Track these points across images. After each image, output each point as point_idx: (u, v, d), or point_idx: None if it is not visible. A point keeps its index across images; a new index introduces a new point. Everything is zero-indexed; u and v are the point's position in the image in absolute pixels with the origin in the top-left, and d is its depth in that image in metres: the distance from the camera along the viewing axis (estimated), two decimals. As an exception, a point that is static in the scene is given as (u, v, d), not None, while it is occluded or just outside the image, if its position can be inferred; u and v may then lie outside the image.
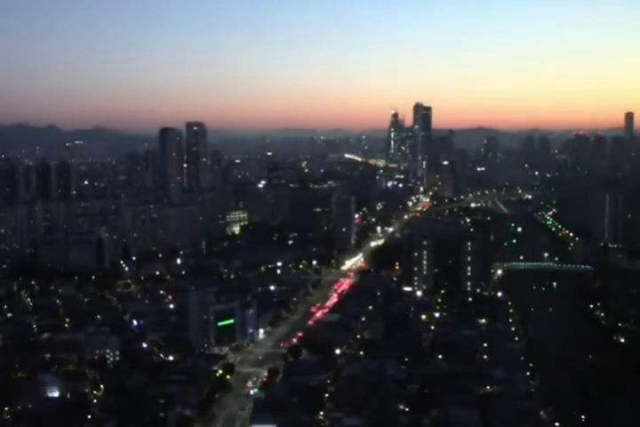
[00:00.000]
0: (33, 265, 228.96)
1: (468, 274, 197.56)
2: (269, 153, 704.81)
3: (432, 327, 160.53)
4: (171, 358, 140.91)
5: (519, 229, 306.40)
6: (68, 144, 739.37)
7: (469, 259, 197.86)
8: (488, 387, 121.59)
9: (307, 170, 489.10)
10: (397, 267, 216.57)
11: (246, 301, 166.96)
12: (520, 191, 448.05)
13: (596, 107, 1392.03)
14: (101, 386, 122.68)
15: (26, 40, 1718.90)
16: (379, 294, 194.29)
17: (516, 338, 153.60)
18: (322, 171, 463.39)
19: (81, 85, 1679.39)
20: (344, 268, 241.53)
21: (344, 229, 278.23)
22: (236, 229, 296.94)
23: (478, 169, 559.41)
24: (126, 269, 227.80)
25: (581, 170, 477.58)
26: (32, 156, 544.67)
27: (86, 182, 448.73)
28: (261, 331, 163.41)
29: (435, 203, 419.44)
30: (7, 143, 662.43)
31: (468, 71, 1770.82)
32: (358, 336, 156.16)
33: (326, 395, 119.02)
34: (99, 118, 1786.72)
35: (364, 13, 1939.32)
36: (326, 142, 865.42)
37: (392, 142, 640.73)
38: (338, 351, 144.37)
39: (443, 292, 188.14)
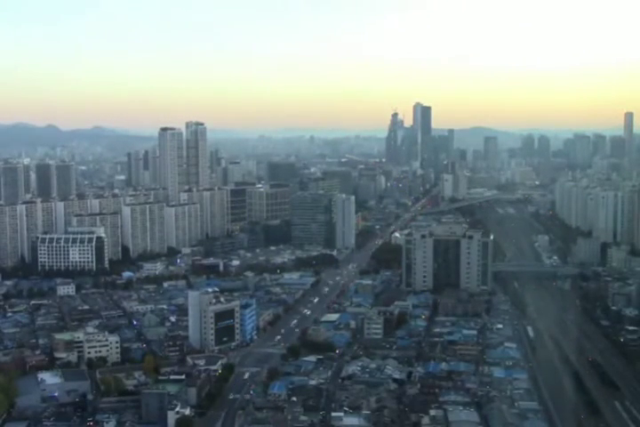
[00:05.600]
0: (32, 265, 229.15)
1: (468, 274, 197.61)
2: (269, 152, 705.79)
3: (432, 327, 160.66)
4: (170, 358, 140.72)
5: (519, 229, 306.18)
6: (67, 144, 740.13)
7: (469, 259, 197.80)
8: (487, 387, 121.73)
9: (306, 169, 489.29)
10: (397, 267, 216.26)
11: (246, 301, 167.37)
12: (520, 191, 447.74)
13: (596, 107, 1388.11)
14: (101, 386, 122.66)
15: (26, 40, 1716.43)
16: (378, 293, 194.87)
17: (516, 338, 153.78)
18: (321, 170, 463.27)
19: (81, 85, 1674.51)
20: (344, 268, 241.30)
21: (344, 229, 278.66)
22: (236, 229, 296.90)
23: (478, 168, 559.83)
24: (126, 268, 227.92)
25: (581, 169, 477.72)
26: (32, 156, 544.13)
27: (86, 182, 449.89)
28: (261, 331, 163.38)
29: (434, 202, 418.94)
30: (7, 143, 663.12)
31: (468, 71, 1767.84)
32: (358, 336, 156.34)
33: (326, 395, 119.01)
34: (99, 118, 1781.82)
35: (362, 13, 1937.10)
36: (326, 142, 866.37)
37: (392, 142, 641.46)
38: (338, 351, 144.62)
39: (443, 292, 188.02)
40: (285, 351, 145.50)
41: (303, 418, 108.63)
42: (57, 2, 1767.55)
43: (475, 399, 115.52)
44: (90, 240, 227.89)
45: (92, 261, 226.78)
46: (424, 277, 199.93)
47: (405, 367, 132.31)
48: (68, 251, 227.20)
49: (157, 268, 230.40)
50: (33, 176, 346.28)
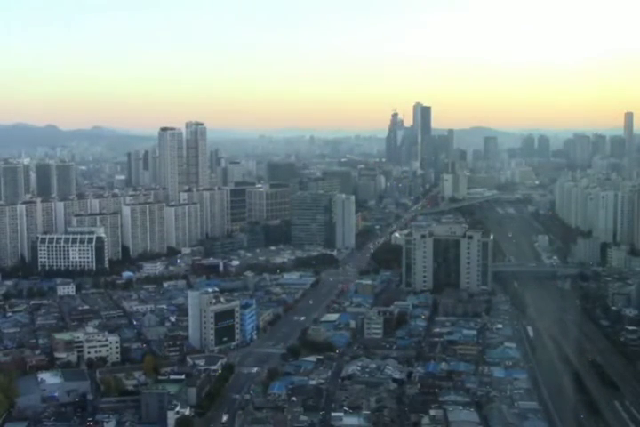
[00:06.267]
0: (32, 265, 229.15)
1: (468, 274, 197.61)
2: (269, 152, 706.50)
3: (432, 327, 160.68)
4: (170, 358, 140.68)
5: (519, 229, 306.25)
6: (67, 144, 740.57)
7: (469, 259, 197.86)
8: (487, 387, 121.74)
9: (306, 169, 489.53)
10: (397, 267, 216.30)
11: (246, 301, 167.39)
12: (520, 191, 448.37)
13: (596, 107, 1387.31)
14: (101, 386, 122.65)
15: (25, 39, 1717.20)
16: (378, 293, 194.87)
17: (516, 338, 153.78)
18: (321, 170, 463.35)
19: (81, 85, 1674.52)
20: (344, 268, 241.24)
21: (344, 229, 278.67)
22: (236, 229, 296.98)
23: (478, 168, 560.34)
24: (126, 268, 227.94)
25: (581, 169, 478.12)
26: (32, 156, 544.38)
27: (86, 182, 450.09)
28: (261, 331, 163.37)
29: (434, 202, 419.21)
30: (7, 143, 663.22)
31: (468, 71, 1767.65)
32: (358, 336, 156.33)
33: (326, 395, 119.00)
34: (98, 118, 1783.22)
35: (362, 13, 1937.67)
36: (326, 142, 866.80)
37: (392, 142, 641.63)
38: (338, 351, 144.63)
39: (443, 292, 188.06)
40: (285, 351, 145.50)
41: (303, 418, 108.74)
42: (56, 2, 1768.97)
43: (475, 399, 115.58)
44: (90, 240, 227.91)
45: (92, 261, 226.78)
46: (424, 277, 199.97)
47: (405, 367, 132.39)
48: (68, 251, 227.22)
49: (157, 268, 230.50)
50: (33, 176, 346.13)
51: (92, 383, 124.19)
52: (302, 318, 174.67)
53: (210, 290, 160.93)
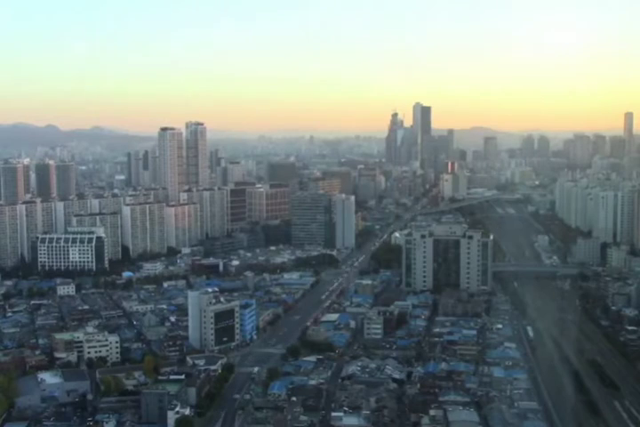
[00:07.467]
0: (32, 265, 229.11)
1: (468, 274, 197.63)
2: (269, 152, 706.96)
3: (432, 327, 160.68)
4: (170, 358, 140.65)
5: (519, 229, 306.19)
6: (67, 144, 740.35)
7: (469, 259, 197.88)
8: (487, 387, 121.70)
9: (306, 169, 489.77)
10: (397, 267, 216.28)
11: (246, 301, 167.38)
12: (520, 191, 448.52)
13: (595, 108, 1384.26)
14: (101, 386, 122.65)
15: (25, 40, 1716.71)
16: (378, 293, 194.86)
17: (516, 338, 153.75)
18: (321, 170, 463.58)
19: (81, 85, 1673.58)
20: (344, 268, 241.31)
21: (344, 229, 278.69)
22: (236, 229, 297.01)
23: (478, 168, 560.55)
24: (126, 268, 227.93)
25: (581, 169, 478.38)
26: (32, 156, 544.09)
27: (86, 182, 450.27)
28: (261, 331, 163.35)
29: (434, 202, 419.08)
30: (7, 143, 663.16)
31: (469, 71, 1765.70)
32: (358, 336, 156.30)
33: (326, 395, 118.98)
34: (98, 118, 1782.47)
35: (362, 13, 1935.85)
36: (326, 142, 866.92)
37: (391, 142, 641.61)
38: (338, 351, 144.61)
39: (443, 292, 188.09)
40: (285, 351, 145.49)
41: (303, 418, 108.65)
42: (55, 1, 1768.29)
43: (474, 399, 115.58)
44: (90, 240, 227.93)
45: (91, 261, 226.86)
46: (424, 277, 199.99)
47: (405, 367, 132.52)
48: (67, 251, 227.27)
49: (157, 268, 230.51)
50: (33, 176, 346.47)
51: (91, 383, 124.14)
52: (302, 318, 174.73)
53: (210, 290, 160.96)
